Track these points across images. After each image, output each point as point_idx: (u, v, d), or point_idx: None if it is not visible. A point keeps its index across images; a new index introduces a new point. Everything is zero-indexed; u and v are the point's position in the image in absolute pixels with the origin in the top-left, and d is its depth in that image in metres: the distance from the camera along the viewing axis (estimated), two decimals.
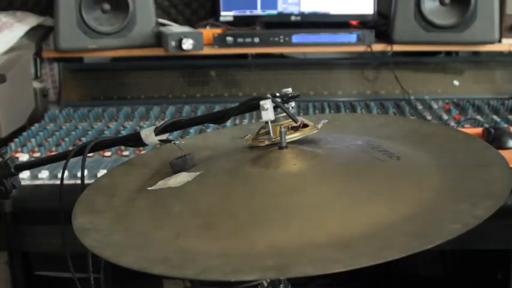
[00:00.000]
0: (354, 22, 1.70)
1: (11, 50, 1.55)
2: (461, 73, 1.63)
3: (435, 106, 1.50)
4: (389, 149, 0.75)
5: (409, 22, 1.56)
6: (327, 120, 0.80)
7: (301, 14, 1.65)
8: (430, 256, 1.72)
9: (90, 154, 1.03)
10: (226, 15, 1.65)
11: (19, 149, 1.28)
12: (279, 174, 0.68)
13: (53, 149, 1.28)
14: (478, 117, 1.40)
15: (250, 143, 0.80)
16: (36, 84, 1.61)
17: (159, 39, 1.58)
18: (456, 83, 1.62)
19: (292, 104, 0.77)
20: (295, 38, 1.59)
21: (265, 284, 0.78)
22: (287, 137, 0.74)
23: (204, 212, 0.65)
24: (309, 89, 1.62)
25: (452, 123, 1.36)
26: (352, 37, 1.59)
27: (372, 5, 1.63)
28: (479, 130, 1.24)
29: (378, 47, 1.60)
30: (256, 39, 1.58)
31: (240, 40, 1.58)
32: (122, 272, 0.65)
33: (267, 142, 0.76)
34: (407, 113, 1.45)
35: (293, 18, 1.65)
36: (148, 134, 0.81)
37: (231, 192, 0.68)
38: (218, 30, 1.62)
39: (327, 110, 1.50)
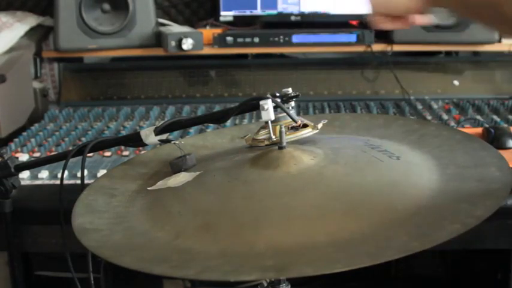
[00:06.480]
0: (354, 22, 1.70)
1: (11, 50, 1.55)
2: (461, 73, 1.63)
3: (435, 106, 1.50)
4: (389, 149, 0.75)
5: None
6: (327, 120, 0.80)
7: (301, 14, 1.65)
8: (430, 256, 1.72)
9: (90, 154, 1.03)
10: (226, 15, 1.65)
11: (19, 149, 1.28)
12: (279, 174, 0.68)
13: (53, 149, 1.28)
14: (478, 117, 1.40)
15: (250, 143, 0.80)
16: (36, 84, 1.61)
17: (159, 39, 1.58)
18: (456, 83, 1.62)
19: (292, 104, 0.77)
20: (295, 38, 1.59)
21: (265, 284, 0.78)
22: (287, 137, 0.74)
23: (203, 212, 0.65)
24: (309, 89, 1.62)
25: (452, 123, 1.36)
26: (352, 37, 1.59)
27: None
28: (479, 130, 1.24)
29: (377, 47, 1.60)
30: (256, 39, 1.58)
31: (240, 40, 1.58)
32: (122, 272, 0.65)
33: (266, 142, 0.76)
34: (407, 113, 1.45)
35: (293, 18, 1.65)
36: (148, 134, 0.82)
37: (230, 192, 0.68)
38: (218, 30, 1.61)
39: (327, 110, 1.50)
